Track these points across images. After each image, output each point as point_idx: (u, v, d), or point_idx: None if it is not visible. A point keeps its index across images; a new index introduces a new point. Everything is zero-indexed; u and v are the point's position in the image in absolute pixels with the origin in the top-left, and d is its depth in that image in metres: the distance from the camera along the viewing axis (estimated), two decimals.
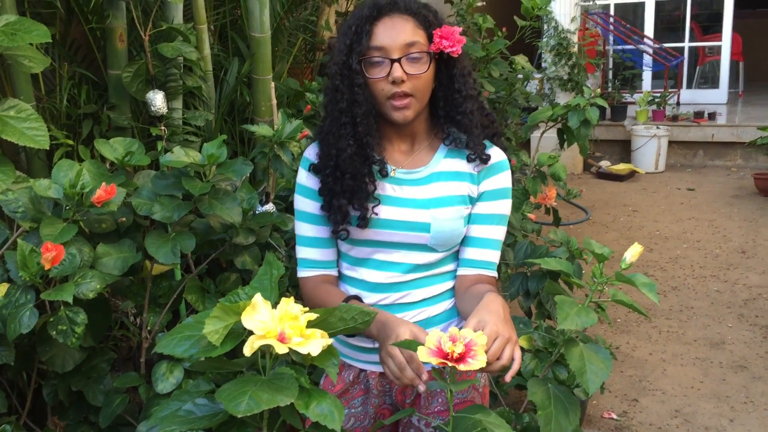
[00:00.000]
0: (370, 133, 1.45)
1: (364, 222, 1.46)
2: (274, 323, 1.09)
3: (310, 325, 1.12)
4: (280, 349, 1.06)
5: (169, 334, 1.17)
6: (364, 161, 1.45)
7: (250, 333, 1.10)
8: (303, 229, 1.55)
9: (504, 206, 1.52)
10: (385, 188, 1.49)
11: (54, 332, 1.69)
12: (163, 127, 2.63)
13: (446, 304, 1.57)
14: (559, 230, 2.71)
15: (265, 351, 1.12)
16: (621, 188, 6.64)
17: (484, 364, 1.11)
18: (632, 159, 7.32)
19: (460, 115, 1.46)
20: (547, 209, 3.10)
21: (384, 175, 1.47)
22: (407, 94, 1.40)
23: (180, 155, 1.84)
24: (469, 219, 1.51)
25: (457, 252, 1.55)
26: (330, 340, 1.10)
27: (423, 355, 1.15)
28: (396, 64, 1.38)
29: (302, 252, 1.55)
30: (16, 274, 1.67)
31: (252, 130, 2.12)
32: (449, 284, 1.56)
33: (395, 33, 1.39)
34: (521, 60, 3.61)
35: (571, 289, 2.62)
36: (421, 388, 1.24)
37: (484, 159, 1.48)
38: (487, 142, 1.51)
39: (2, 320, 1.68)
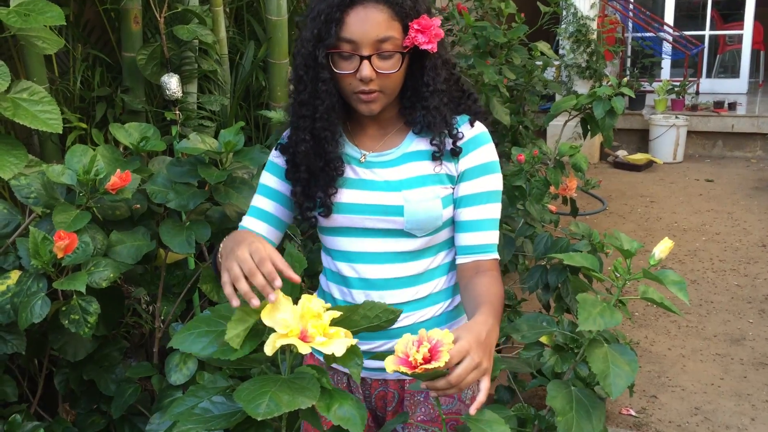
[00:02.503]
0: (330, 128, 1.37)
1: (326, 210, 1.41)
2: (296, 321, 1.05)
3: (333, 322, 1.08)
4: (303, 349, 1.02)
5: (186, 329, 1.12)
6: (321, 156, 1.39)
7: (271, 330, 1.05)
8: (257, 200, 1.48)
9: (490, 182, 1.42)
10: (357, 172, 1.43)
11: (66, 321, 1.66)
12: (177, 112, 2.58)
13: (435, 309, 1.47)
14: (580, 222, 2.65)
15: (285, 348, 1.07)
16: (638, 178, 6.55)
17: (442, 364, 1.04)
18: (650, 149, 7.22)
19: (424, 110, 1.38)
20: (564, 199, 3.03)
21: (340, 173, 1.40)
22: (375, 90, 1.33)
23: (196, 142, 1.80)
24: (456, 202, 1.43)
25: (444, 242, 1.46)
26: (354, 340, 1.06)
27: (389, 364, 1.08)
28: (365, 62, 1.29)
29: (245, 220, 1.48)
30: (28, 262, 1.63)
31: (269, 116, 2.07)
32: (437, 284, 1.47)
33: (368, 26, 1.28)
34: (543, 47, 3.53)
35: (590, 282, 2.57)
36: (272, 297, 1.06)
37: (456, 151, 1.40)
38: (460, 118, 1.42)
39: (14, 308, 1.65)
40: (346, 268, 1.46)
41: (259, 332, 1.07)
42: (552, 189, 2.87)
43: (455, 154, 1.40)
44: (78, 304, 1.67)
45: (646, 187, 6.23)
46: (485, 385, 1.13)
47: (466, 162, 1.41)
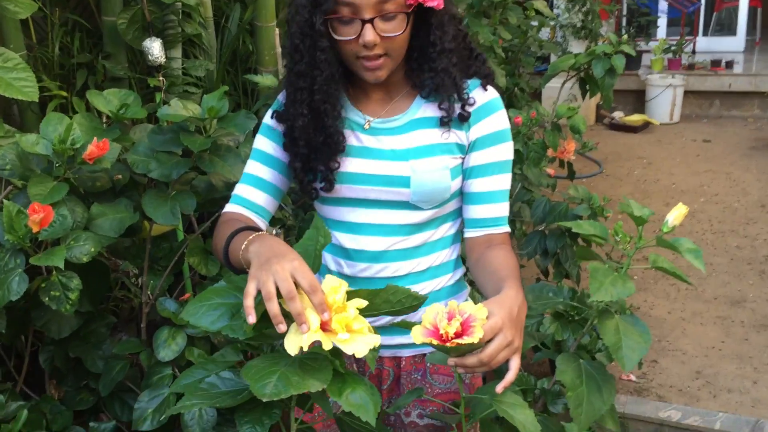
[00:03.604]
0: (329, 101, 1.28)
1: (328, 185, 1.32)
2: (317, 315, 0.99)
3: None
4: (326, 344, 0.95)
5: (197, 300, 1.05)
6: (320, 130, 1.30)
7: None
8: (253, 167, 1.39)
9: (503, 151, 1.34)
10: (361, 140, 1.34)
11: (47, 298, 1.59)
12: (161, 78, 2.49)
13: (434, 282, 1.40)
14: (579, 186, 2.58)
15: None
16: (635, 140, 6.48)
17: (476, 340, 0.99)
18: (646, 109, 7.13)
19: (432, 72, 1.29)
20: (561, 162, 2.97)
21: (342, 149, 1.32)
22: (381, 54, 1.23)
23: (178, 108, 1.71)
24: (465, 173, 1.35)
25: (449, 214, 1.39)
26: (378, 339, 0.99)
27: (417, 335, 1.02)
28: (368, 26, 1.19)
29: (239, 188, 1.39)
30: (3, 237, 1.55)
31: (255, 80, 1.98)
32: (438, 257, 1.40)
33: None
34: (540, 5, 3.43)
35: (589, 245, 2.52)
36: (305, 327, 0.97)
37: (464, 116, 1.31)
38: (471, 83, 1.34)
39: None
40: (345, 239, 1.38)
41: None
42: (550, 152, 2.80)
43: (464, 119, 1.31)
44: (58, 280, 1.59)
45: (643, 149, 6.16)
46: (515, 363, 1.08)
47: (477, 130, 1.32)
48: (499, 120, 1.34)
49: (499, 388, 1.08)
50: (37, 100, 1.76)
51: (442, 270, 1.42)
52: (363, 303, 1.01)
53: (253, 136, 1.45)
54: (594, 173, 5.52)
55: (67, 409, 1.92)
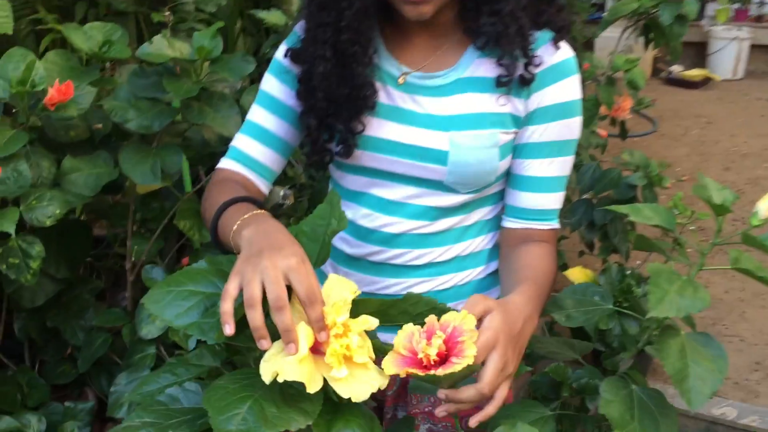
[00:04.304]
0: (360, 42, 1.00)
1: (346, 149, 1.07)
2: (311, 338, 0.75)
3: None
4: (314, 384, 0.72)
5: (165, 283, 0.84)
6: (346, 81, 1.03)
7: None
8: (257, 114, 1.13)
9: (567, 128, 1.06)
10: (392, 97, 1.07)
11: (5, 266, 1.37)
12: (168, 13, 2.22)
13: (462, 275, 1.15)
14: (635, 151, 2.27)
15: None
16: (693, 97, 6.04)
17: (471, 360, 0.74)
18: (708, 64, 6.66)
19: (493, 16, 0.99)
20: (613, 120, 2.65)
21: (371, 106, 1.04)
22: None
23: (162, 47, 1.45)
24: (517, 150, 1.07)
25: (490, 197, 1.13)
26: (386, 379, 0.75)
27: (389, 366, 0.77)
28: None
29: (238, 140, 1.14)
30: None
31: (260, 16, 1.70)
32: (471, 245, 1.14)
33: None
34: None
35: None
36: (292, 348, 0.75)
37: (526, 78, 1.02)
38: (540, 36, 1.04)
39: None
40: (358, 214, 1.14)
41: None
42: (603, 110, 2.48)
43: (525, 83, 1.02)
44: (17, 245, 1.37)
45: (702, 107, 5.74)
46: (501, 393, 0.83)
47: (540, 98, 1.04)
48: (569, 88, 1.05)
49: (473, 422, 0.84)
50: (10, 32, 1.53)
51: (472, 261, 1.15)
52: (373, 324, 0.77)
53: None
54: (647, 132, 5.13)
55: (45, 383, 1.73)
